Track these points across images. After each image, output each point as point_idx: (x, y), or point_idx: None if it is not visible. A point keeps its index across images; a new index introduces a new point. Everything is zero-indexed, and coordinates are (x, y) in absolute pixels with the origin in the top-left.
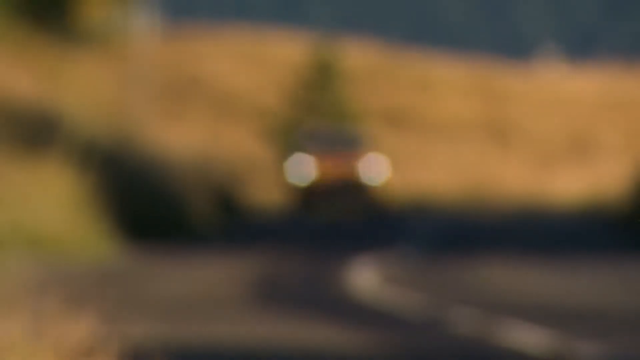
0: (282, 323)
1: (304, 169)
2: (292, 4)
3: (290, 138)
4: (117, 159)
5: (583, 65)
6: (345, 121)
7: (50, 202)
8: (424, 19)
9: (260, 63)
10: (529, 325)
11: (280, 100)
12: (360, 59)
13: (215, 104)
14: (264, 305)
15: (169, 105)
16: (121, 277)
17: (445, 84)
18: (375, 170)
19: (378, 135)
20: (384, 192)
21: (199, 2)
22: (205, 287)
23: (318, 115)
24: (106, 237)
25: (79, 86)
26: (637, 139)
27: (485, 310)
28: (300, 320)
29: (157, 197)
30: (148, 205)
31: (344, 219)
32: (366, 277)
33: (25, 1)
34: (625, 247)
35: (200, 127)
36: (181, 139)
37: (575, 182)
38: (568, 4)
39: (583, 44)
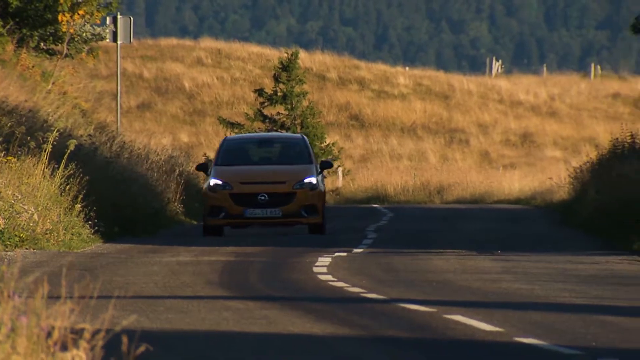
0: (251, 300)
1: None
2: (256, 25)
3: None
4: (100, 158)
5: (524, 76)
6: (309, 126)
7: (37, 199)
8: (387, 33)
9: (226, 69)
10: (473, 309)
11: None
12: (323, 69)
13: (193, 112)
14: (231, 288)
15: (147, 109)
16: (107, 266)
17: (413, 91)
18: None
19: (346, 135)
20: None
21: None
22: (186, 267)
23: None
24: (89, 233)
25: (63, 91)
26: (576, 142)
27: (429, 294)
28: (269, 297)
29: (142, 193)
30: (127, 200)
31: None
32: (323, 263)
33: (8, 11)
34: (563, 233)
35: (172, 123)
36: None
37: (522, 179)
38: (510, 30)
39: (523, 59)
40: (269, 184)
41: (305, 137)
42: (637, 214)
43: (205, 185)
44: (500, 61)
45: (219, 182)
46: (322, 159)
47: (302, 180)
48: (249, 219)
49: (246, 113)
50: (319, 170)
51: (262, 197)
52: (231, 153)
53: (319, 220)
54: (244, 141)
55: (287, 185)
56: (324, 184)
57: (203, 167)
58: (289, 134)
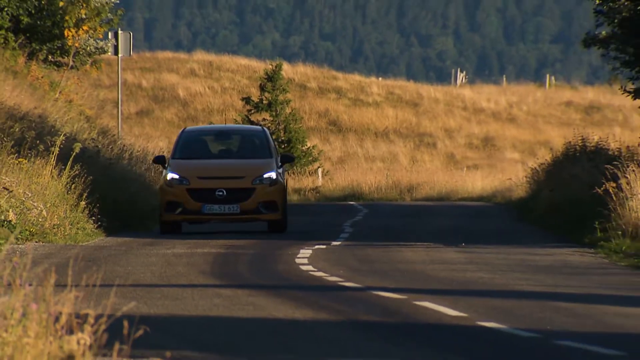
0: (239, 288)
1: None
2: (246, 36)
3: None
4: (102, 160)
5: (485, 86)
6: (291, 131)
7: (45, 197)
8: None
9: (217, 80)
10: (439, 296)
11: (232, 113)
12: (305, 79)
13: (186, 118)
14: (222, 277)
15: (145, 116)
16: (109, 257)
17: (385, 99)
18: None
19: (325, 139)
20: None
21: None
22: (180, 259)
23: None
24: (93, 227)
25: (69, 99)
26: (533, 145)
27: (400, 282)
28: (256, 285)
29: (140, 192)
30: (127, 198)
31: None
32: (304, 255)
33: (19, 27)
34: (520, 227)
35: (168, 128)
36: (153, 136)
37: (484, 178)
38: (473, 44)
39: (485, 71)
40: (228, 179)
41: (266, 129)
42: (587, 211)
43: (162, 180)
44: (464, 72)
45: (176, 176)
46: (283, 153)
47: (262, 175)
48: (207, 215)
49: (235, 119)
50: (280, 164)
51: (220, 193)
52: (189, 145)
53: (279, 216)
54: (203, 133)
55: (246, 180)
56: (284, 179)
57: (160, 160)
58: (249, 126)
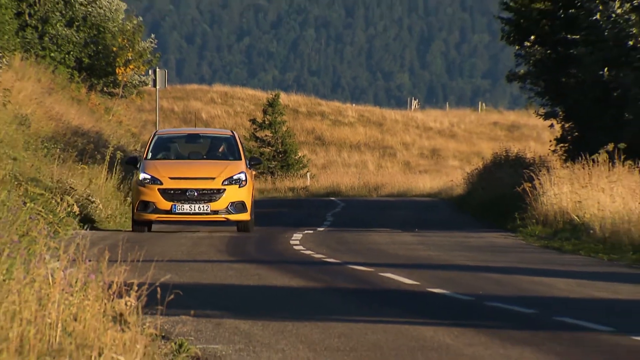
0: (247, 263)
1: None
2: (253, 72)
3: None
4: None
5: (433, 110)
6: (287, 144)
7: (101, 194)
8: (340, 81)
9: (230, 105)
10: (399, 269)
11: (242, 131)
12: (297, 105)
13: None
14: (234, 254)
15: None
16: (148, 239)
17: (358, 120)
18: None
19: (312, 150)
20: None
21: (196, 73)
22: (203, 240)
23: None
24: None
25: (119, 120)
26: (469, 155)
27: (369, 258)
28: (260, 261)
29: None
30: None
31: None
32: (297, 238)
33: (77, 67)
34: (460, 217)
35: None
36: None
37: (432, 180)
38: (423, 78)
39: (433, 99)
40: (198, 180)
41: (235, 132)
42: (510, 205)
43: (134, 179)
44: (417, 100)
45: (148, 176)
46: (252, 155)
47: (232, 176)
48: (178, 215)
49: (244, 135)
50: (249, 166)
51: (191, 193)
52: (161, 147)
53: (247, 217)
54: (174, 135)
55: (216, 181)
56: (253, 181)
57: (133, 161)
58: (219, 129)
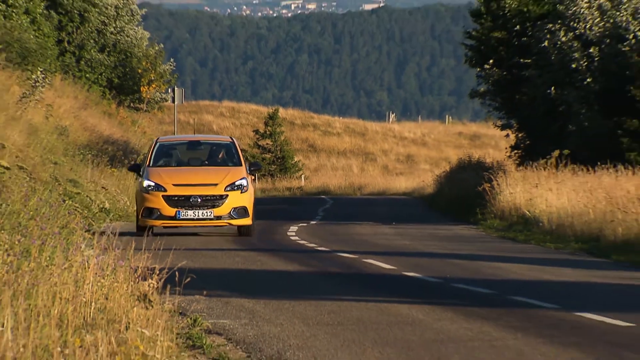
0: (251, 251)
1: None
2: (256, 91)
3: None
4: None
5: (408, 123)
6: (285, 151)
7: (128, 193)
8: (329, 98)
9: (237, 118)
10: (379, 256)
11: (247, 140)
12: (293, 118)
13: None
14: (240, 244)
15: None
16: (166, 233)
17: (344, 131)
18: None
19: (306, 156)
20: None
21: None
22: (214, 232)
23: (268, 151)
24: None
25: (143, 131)
26: (438, 160)
27: (354, 247)
28: (262, 249)
29: None
30: None
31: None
32: (293, 230)
33: (107, 86)
34: (430, 213)
35: None
36: None
37: (407, 181)
38: (399, 96)
39: (407, 113)
40: (202, 186)
41: (235, 139)
42: (472, 202)
43: (138, 186)
44: (394, 114)
45: (152, 183)
46: (252, 161)
47: (234, 182)
48: (182, 221)
49: (249, 144)
50: (249, 172)
51: (195, 199)
52: (163, 154)
53: (249, 222)
54: (176, 143)
55: (219, 187)
56: (254, 186)
57: (135, 168)
58: (219, 136)
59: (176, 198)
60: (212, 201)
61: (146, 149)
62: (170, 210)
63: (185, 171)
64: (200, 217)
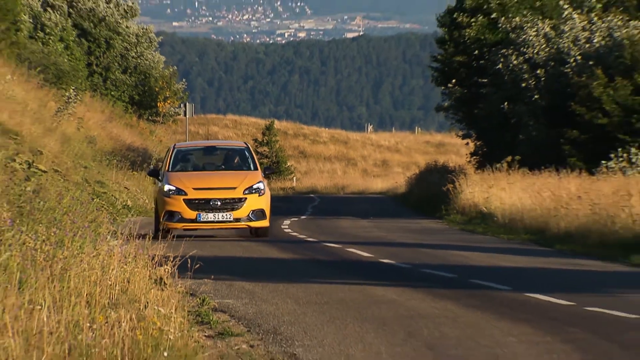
0: (252, 242)
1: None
2: (255, 106)
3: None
4: None
5: (383, 133)
6: (279, 157)
7: (147, 192)
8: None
9: (239, 129)
10: (359, 245)
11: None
12: (286, 129)
13: None
14: (242, 235)
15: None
16: None
17: (329, 140)
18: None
19: (297, 161)
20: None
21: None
22: (215, 229)
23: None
24: None
25: (160, 140)
26: (409, 164)
27: (338, 238)
28: (261, 240)
29: None
30: None
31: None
32: (286, 224)
33: (129, 102)
34: (402, 209)
35: None
36: None
37: (382, 182)
38: (376, 110)
39: (384, 125)
40: (221, 190)
41: (248, 145)
42: (438, 200)
43: (158, 190)
44: (372, 125)
45: (173, 187)
46: (266, 166)
47: (252, 186)
48: (203, 223)
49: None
50: (264, 175)
51: (215, 203)
52: (180, 159)
53: (266, 223)
54: (192, 148)
55: (237, 190)
56: (269, 190)
57: (154, 173)
58: (233, 141)
59: (197, 201)
60: (232, 204)
61: (162, 155)
62: (191, 213)
63: (205, 175)
64: (220, 219)
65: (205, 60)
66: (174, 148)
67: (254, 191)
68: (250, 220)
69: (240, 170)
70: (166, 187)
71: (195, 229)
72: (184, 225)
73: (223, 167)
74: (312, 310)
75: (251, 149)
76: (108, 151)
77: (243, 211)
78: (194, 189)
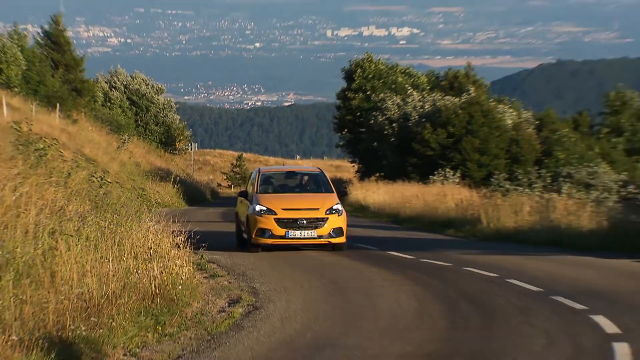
0: (232, 223)
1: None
2: (232, 144)
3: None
4: (186, 182)
5: (306, 159)
6: (244, 174)
7: (170, 194)
8: (267, 147)
9: (223, 158)
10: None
11: (227, 168)
12: (250, 157)
13: (213, 170)
14: (225, 218)
15: (201, 170)
16: (188, 212)
17: (273, 163)
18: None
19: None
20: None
21: (209, 144)
22: (211, 214)
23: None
24: (183, 202)
25: (176, 164)
26: None
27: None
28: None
29: (198, 192)
30: (194, 194)
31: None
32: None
33: (159, 142)
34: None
35: (211, 173)
36: (204, 177)
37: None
38: (302, 146)
39: (307, 154)
40: (307, 210)
41: (322, 170)
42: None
43: (250, 210)
44: (299, 155)
45: (264, 208)
46: (338, 189)
47: (332, 207)
48: (290, 239)
49: (228, 171)
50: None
51: (301, 222)
52: (267, 182)
53: (344, 240)
54: (276, 173)
55: (320, 211)
56: (345, 210)
57: (244, 194)
58: (309, 166)
59: (285, 220)
60: (316, 223)
61: (180, 173)
62: (280, 231)
63: (291, 197)
64: (306, 236)
65: (204, 118)
66: (259, 172)
67: (334, 212)
68: (331, 237)
69: (320, 193)
70: (257, 207)
71: (282, 244)
72: (274, 241)
73: (305, 189)
74: (266, 262)
75: (325, 173)
76: (147, 170)
77: (325, 229)
78: (283, 209)
